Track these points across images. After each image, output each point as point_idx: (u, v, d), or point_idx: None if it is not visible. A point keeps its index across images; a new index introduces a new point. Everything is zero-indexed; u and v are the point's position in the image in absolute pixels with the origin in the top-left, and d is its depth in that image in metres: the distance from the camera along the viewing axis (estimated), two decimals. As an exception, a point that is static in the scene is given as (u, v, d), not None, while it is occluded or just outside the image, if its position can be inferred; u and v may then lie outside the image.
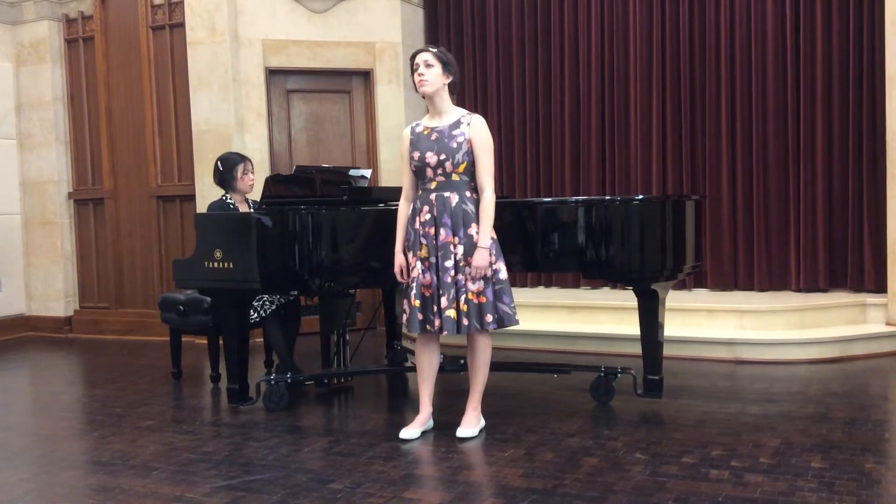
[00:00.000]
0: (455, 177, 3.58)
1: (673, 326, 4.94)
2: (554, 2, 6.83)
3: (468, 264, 3.51)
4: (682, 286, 6.24)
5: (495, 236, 3.60)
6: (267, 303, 4.78)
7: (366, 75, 6.90)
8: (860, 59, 5.84)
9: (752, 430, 3.66)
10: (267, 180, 4.45)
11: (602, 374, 4.23)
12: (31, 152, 7.35)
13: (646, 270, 3.97)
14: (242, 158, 4.87)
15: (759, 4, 6.11)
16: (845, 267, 5.96)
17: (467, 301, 3.51)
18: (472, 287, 3.52)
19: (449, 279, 3.52)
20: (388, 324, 5.31)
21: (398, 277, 3.70)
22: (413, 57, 3.62)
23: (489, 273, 3.54)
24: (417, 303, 3.57)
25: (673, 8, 6.40)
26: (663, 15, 6.44)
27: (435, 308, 3.55)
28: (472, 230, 3.55)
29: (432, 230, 3.57)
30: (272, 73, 6.68)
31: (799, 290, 6.03)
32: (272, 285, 4.25)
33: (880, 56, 5.62)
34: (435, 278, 3.55)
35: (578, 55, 6.77)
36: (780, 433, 3.59)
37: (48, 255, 7.37)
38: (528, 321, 5.88)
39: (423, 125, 3.66)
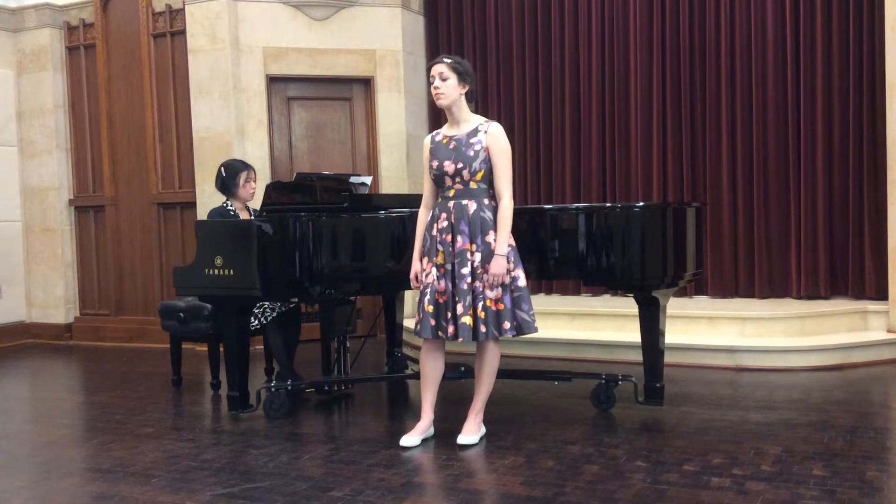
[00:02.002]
0: (473, 184, 3.58)
1: (674, 334, 4.93)
2: (554, 9, 6.84)
3: (486, 271, 3.51)
4: (682, 293, 6.23)
5: (514, 243, 3.61)
6: (268, 310, 4.78)
7: (366, 83, 6.91)
8: (860, 66, 5.85)
9: (754, 437, 3.65)
10: (267, 187, 4.45)
11: (603, 382, 4.22)
12: (31, 159, 7.36)
13: (647, 278, 3.97)
14: (246, 167, 4.87)
15: (759, 11, 6.12)
16: (846, 274, 5.96)
17: (485, 308, 3.51)
18: (490, 294, 3.52)
19: (465, 286, 3.52)
20: (389, 331, 5.30)
21: (412, 283, 3.71)
22: (429, 68, 3.65)
23: (507, 280, 3.54)
24: (431, 308, 3.57)
25: (673, 15, 6.41)
26: (663, 22, 6.45)
27: (449, 315, 3.54)
28: (490, 237, 3.55)
29: (449, 237, 3.58)
30: (273, 81, 6.69)
31: (800, 298, 6.02)
32: (272, 292, 4.25)
33: (880, 62, 5.62)
34: (450, 285, 3.55)
35: (579, 62, 6.78)
36: (782, 441, 3.58)
37: (49, 263, 7.37)
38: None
39: (443, 134, 3.69)
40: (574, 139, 6.81)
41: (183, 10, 6.62)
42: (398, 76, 6.87)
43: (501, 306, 3.53)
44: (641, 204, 4.34)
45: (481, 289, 3.52)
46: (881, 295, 5.67)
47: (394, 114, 6.89)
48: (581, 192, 6.78)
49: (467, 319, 3.50)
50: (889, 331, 5.44)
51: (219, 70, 6.45)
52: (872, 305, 5.64)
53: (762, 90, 6.12)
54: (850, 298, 5.90)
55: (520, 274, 3.59)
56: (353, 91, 6.94)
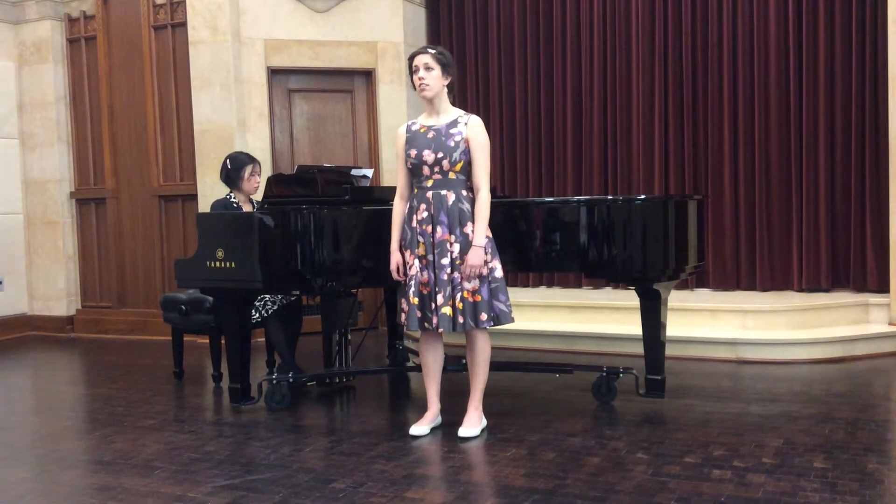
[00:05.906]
0: (452, 175, 3.59)
1: (675, 326, 4.93)
2: (556, 1, 6.82)
3: (464, 262, 3.52)
4: (684, 286, 6.23)
5: (490, 235, 3.61)
6: (269, 302, 4.78)
7: (368, 75, 6.90)
8: (862, 60, 5.83)
9: (755, 430, 3.65)
10: (269, 180, 4.45)
11: (604, 374, 4.23)
12: (33, 152, 7.35)
13: (648, 270, 3.97)
14: (252, 160, 4.87)
15: (761, 6, 6.10)
16: (848, 267, 5.95)
17: (463, 299, 3.52)
18: (468, 285, 3.53)
19: (445, 277, 3.53)
20: (390, 323, 5.30)
21: (394, 276, 3.70)
22: (412, 58, 3.62)
23: (484, 272, 3.55)
24: (416, 301, 3.58)
25: (675, 8, 6.40)
26: (665, 14, 6.43)
27: (433, 306, 3.55)
28: (469, 228, 3.56)
29: (429, 228, 3.58)
30: (274, 73, 6.68)
31: (801, 290, 6.02)
32: (274, 285, 4.25)
33: (882, 57, 5.61)
34: (432, 276, 3.56)
35: (581, 54, 6.77)
36: (783, 433, 3.58)
37: (50, 255, 7.37)
38: (529, 321, 5.91)
39: (420, 123, 3.67)
40: (575, 131, 6.80)
41: (184, 2, 6.60)
42: (400, 68, 6.85)
43: (479, 298, 3.54)
44: (643, 197, 4.33)
45: (459, 280, 3.53)
46: (883, 288, 5.66)
47: (395, 106, 6.88)
48: (582, 184, 6.77)
49: (447, 310, 3.51)
50: (890, 324, 5.44)
51: (220, 62, 6.44)
52: (874, 298, 5.64)
53: (764, 82, 6.11)
54: (852, 291, 5.89)
55: (497, 265, 3.60)
56: (355, 83, 6.93)
